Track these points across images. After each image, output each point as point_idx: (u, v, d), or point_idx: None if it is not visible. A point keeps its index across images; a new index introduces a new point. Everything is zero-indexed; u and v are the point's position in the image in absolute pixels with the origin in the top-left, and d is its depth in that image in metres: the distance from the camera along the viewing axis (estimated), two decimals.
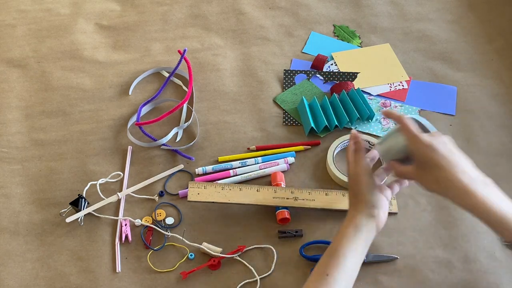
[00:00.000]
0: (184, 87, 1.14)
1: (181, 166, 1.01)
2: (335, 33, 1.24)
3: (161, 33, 1.23)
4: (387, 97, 1.12)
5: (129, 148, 1.04)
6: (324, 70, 1.17)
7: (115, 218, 0.95)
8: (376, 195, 0.82)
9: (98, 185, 0.97)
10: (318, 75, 1.16)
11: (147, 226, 0.94)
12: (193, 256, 0.91)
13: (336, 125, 1.05)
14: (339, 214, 0.95)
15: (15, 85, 1.14)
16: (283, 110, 1.10)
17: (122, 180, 1.00)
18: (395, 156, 0.83)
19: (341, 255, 0.76)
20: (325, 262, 0.76)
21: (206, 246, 0.90)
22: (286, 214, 0.94)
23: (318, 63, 1.17)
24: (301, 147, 1.04)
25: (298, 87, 1.14)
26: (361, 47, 1.22)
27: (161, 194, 0.98)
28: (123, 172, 1.01)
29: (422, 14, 1.28)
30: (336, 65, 1.18)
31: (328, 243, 0.91)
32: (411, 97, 1.12)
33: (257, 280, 0.88)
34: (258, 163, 1.02)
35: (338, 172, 0.98)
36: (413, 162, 0.79)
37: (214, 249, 0.90)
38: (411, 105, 1.11)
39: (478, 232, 0.94)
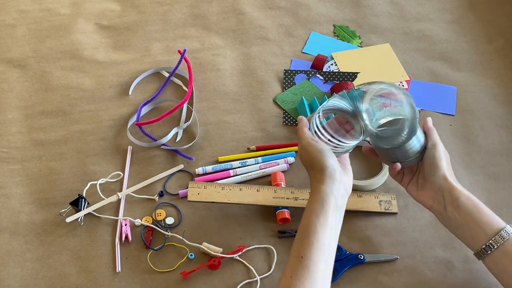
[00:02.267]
0: (184, 87, 1.14)
1: (181, 166, 1.01)
2: (335, 33, 1.24)
3: (161, 33, 1.23)
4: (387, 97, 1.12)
5: (129, 148, 1.04)
6: (324, 70, 1.17)
7: (115, 218, 0.95)
8: (331, 157, 0.79)
9: (98, 185, 0.97)
10: (318, 75, 1.16)
11: (147, 226, 0.94)
12: (193, 256, 0.91)
13: None
14: None
15: (15, 85, 1.14)
16: (283, 110, 1.10)
17: (122, 180, 1.00)
18: (406, 156, 0.83)
19: (312, 233, 0.73)
20: (297, 245, 0.74)
21: (206, 246, 0.90)
22: (286, 214, 0.94)
23: (318, 63, 1.17)
24: None
25: (298, 87, 1.14)
26: (361, 47, 1.22)
27: (161, 194, 0.98)
28: (123, 172, 1.01)
29: (422, 14, 1.28)
30: (336, 65, 1.18)
31: None
32: None
33: (257, 280, 0.88)
34: (258, 163, 1.02)
35: None
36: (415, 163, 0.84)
37: (214, 249, 0.90)
38: None
39: None
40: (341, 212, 0.78)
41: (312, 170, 0.80)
